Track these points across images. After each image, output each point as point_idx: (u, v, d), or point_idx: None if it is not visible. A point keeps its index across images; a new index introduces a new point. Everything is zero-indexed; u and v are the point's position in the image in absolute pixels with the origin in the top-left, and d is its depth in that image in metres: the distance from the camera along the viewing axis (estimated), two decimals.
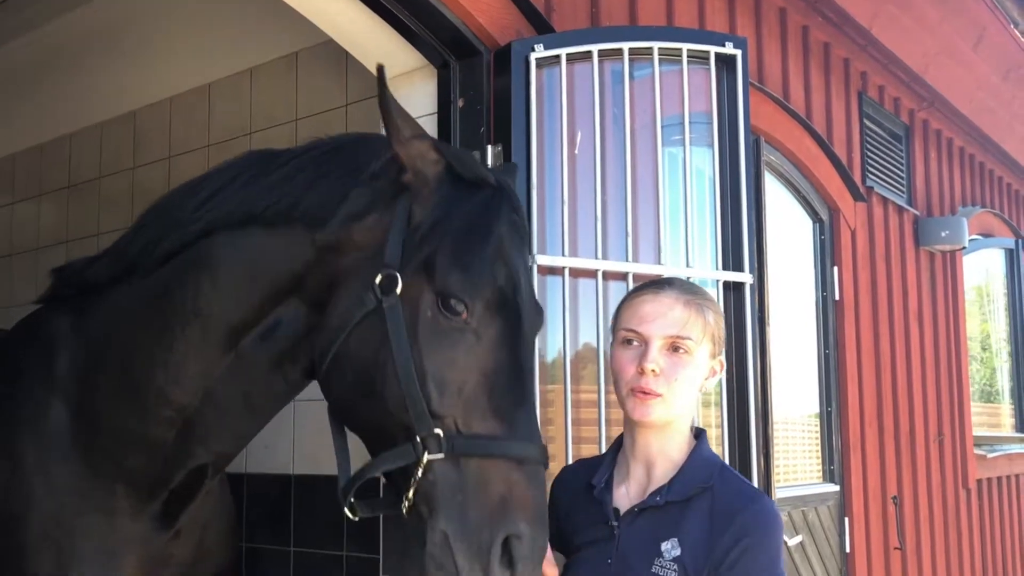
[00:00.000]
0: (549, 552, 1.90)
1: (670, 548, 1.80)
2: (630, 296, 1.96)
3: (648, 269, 2.91)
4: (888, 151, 5.44)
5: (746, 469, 3.07)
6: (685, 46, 3.06)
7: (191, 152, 4.29)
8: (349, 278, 1.84)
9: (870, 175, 5.18)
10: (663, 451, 1.90)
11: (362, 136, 2.06)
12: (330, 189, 1.90)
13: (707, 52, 3.10)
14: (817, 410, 4.69)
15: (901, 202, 5.50)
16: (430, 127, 2.94)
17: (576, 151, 2.88)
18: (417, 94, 2.97)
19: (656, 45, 3.01)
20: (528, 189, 2.75)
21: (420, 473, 1.69)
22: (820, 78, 4.81)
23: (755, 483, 3.04)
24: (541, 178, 2.80)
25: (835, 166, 4.67)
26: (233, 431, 2.09)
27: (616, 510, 1.89)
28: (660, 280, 2.05)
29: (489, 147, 2.79)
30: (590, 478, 1.97)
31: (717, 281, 3.07)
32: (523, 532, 1.67)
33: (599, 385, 2.77)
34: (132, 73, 4.64)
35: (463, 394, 1.73)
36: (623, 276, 2.86)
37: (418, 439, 1.70)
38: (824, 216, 4.73)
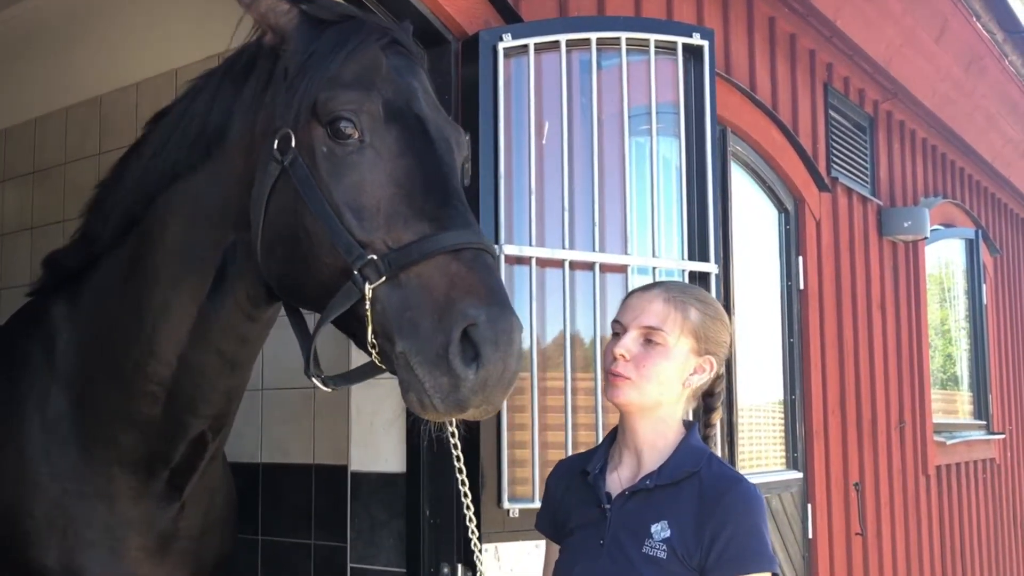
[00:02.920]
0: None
1: (660, 530, 1.87)
2: (627, 293, 2.07)
3: (615, 259, 2.93)
4: (853, 142, 5.50)
5: None
6: (653, 37, 3.08)
7: None
8: (260, 166, 1.81)
9: (835, 166, 5.23)
10: (652, 439, 1.98)
11: (243, 44, 2.02)
12: (224, 99, 1.90)
13: (674, 43, 3.12)
14: (782, 398, 4.75)
15: (865, 192, 5.56)
16: None
17: (544, 141, 2.89)
18: None
19: (624, 35, 3.03)
20: (495, 178, 2.76)
21: (368, 307, 1.61)
22: (786, 69, 4.85)
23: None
24: (509, 168, 2.81)
25: (800, 157, 4.72)
26: (220, 391, 2.07)
27: (608, 494, 1.96)
28: (658, 281, 2.16)
29: None
30: (584, 466, 2.05)
31: (683, 271, 3.10)
32: (477, 316, 1.56)
33: (566, 373, 2.80)
34: (98, 57, 4.59)
35: (382, 211, 1.66)
36: (589, 266, 2.88)
37: (355, 272, 1.63)
38: (789, 206, 4.78)
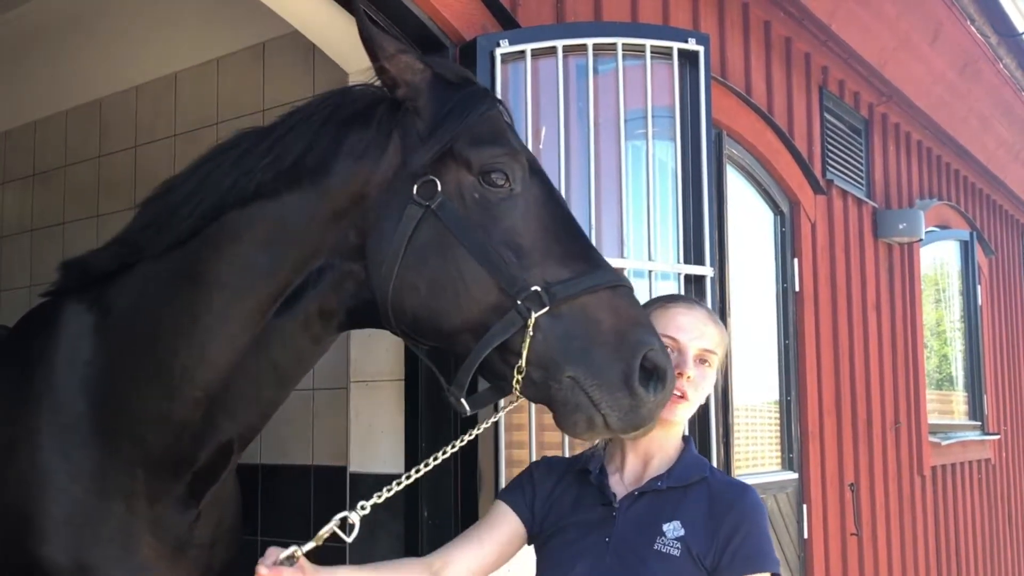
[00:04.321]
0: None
1: (674, 529, 1.94)
2: (662, 306, 2.11)
3: (611, 262, 2.95)
4: (848, 145, 5.52)
5: (706, 456, 3.12)
6: (649, 42, 3.10)
7: (157, 141, 4.27)
8: (382, 207, 1.92)
9: (830, 168, 5.26)
10: (663, 447, 2.06)
11: (342, 88, 2.12)
12: (326, 139, 1.97)
13: (670, 48, 3.14)
14: (777, 399, 4.78)
15: (860, 195, 5.59)
16: None
17: (540, 145, 2.92)
18: None
19: (620, 41, 3.05)
20: None
21: (530, 334, 1.76)
22: (782, 73, 4.88)
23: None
24: None
25: (796, 159, 4.75)
26: (261, 403, 2.12)
27: (614, 494, 2.02)
28: (683, 296, 2.27)
29: None
30: (574, 468, 2.11)
31: (679, 274, 3.12)
32: (652, 343, 1.78)
33: None
34: (99, 61, 4.62)
35: (538, 250, 1.83)
36: None
37: (519, 302, 1.77)
38: (785, 209, 4.80)
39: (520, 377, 1.79)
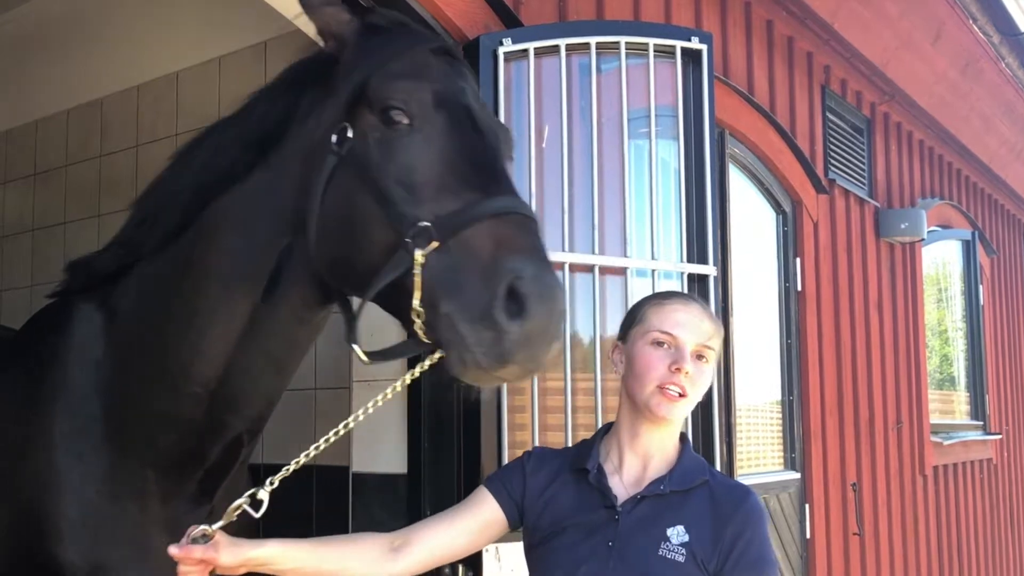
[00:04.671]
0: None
1: (678, 534, 1.92)
2: (658, 302, 2.08)
3: (614, 262, 2.95)
4: (850, 144, 5.52)
5: (709, 456, 3.12)
6: (652, 41, 3.10)
7: (159, 140, 4.27)
8: (315, 164, 1.87)
9: (832, 167, 5.25)
10: (662, 446, 2.03)
11: (311, 54, 2.09)
12: (282, 105, 1.97)
13: (673, 47, 3.14)
14: (779, 398, 4.77)
15: (862, 194, 5.58)
16: None
17: (543, 144, 2.91)
18: None
19: (623, 40, 3.05)
20: None
21: (416, 272, 1.64)
22: (784, 72, 4.87)
23: (718, 471, 3.11)
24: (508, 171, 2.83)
25: (798, 159, 4.74)
26: (262, 393, 2.10)
27: (615, 496, 1.98)
28: (679, 292, 2.22)
29: None
30: (567, 464, 2.06)
31: (682, 274, 3.12)
32: (522, 270, 1.59)
33: (566, 374, 2.82)
34: (100, 60, 4.61)
35: (433, 185, 1.73)
36: (589, 268, 2.91)
37: (407, 240, 1.67)
38: (787, 208, 4.80)
39: (420, 321, 1.65)
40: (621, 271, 2.98)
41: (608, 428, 2.12)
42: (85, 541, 2.06)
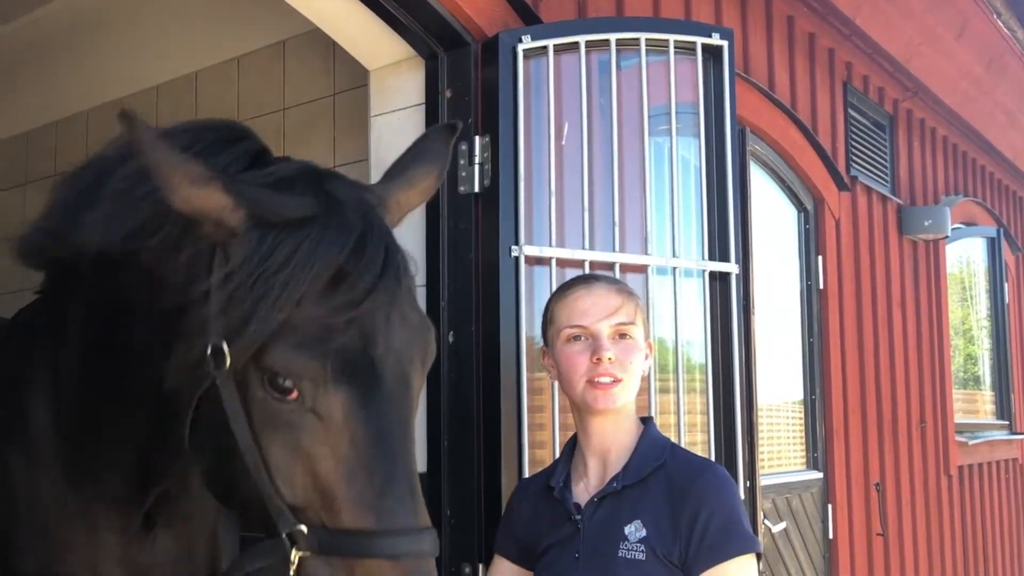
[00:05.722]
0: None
1: (634, 530, 1.84)
2: (561, 295, 2.01)
3: (634, 259, 2.93)
4: (872, 141, 5.47)
5: (731, 456, 3.10)
6: (672, 37, 3.07)
7: None
8: (178, 337, 1.58)
9: (854, 165, 5.21)
10: (616, 438, 1.96)
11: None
12: (133, 220, 1.64)
13: (694, 43, 3.11)
14: (801, 398, 4.74)
15: (885, 191, 5.53)
16: (417, 118, 2.95)
17: (563, 142, 2.89)
18: (404, 85, 2.98)
19: (643, 36, 3.03)
20: (515, 180, 2.77)
21: (293, 572, 1.48)
22: (805, 68, 4.83)
23: (740, 470, 3.09)
24: (528, 169, 2.81)
25: (820, 156, 4.70)
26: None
27: (576, 504, 1.93)
28: (581, 277, 2.11)
29: (477, 138, 2.80)
30: (541, 484, 2.03)
31: (703, 271, 3.09)
32: None
33: None
34: (119, 61, 4.63)
35: (318, 485, 1.49)
36: (609, 266, 2.88)
37: (284, 536, 1.48)
38: (809, 206, 4.76)
39: None
40: (642, 269, 2.96)
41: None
42: (37, 563, 1.95)
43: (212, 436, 1.56)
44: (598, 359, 1.88)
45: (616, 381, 1.89)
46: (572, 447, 2.05)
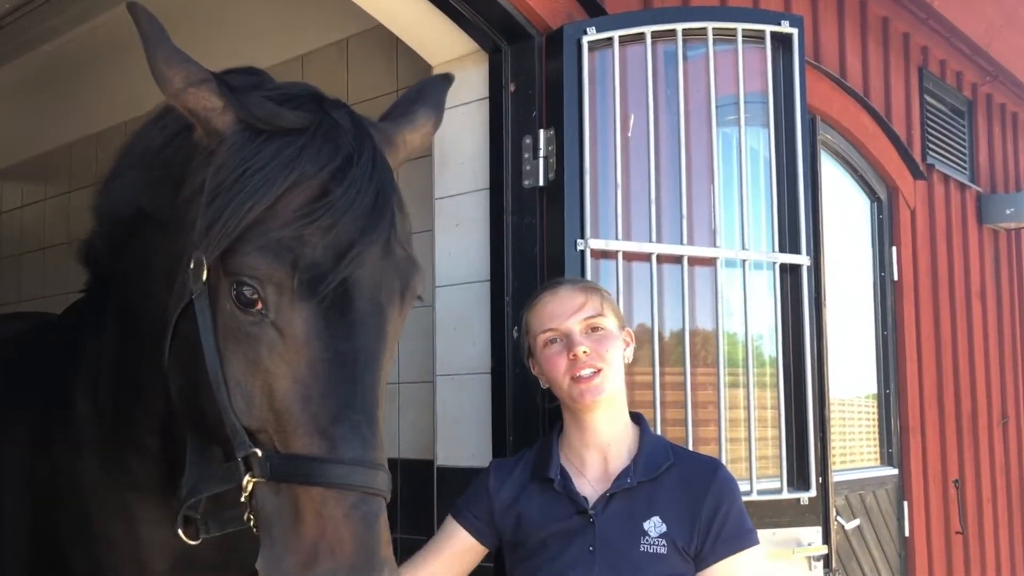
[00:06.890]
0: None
1: (654, 526, 1.93)
2: (531, 305, 2.14)
3: (703, 252, 2.89)
4: (950, 127, 5.32)
5: (803, 452, 3.05)
6: (740, 26, 3.01)
7: None
8: (177, 278, 1.61)
9: (931, 152, 5.07)
10: (615, 431, 2.05)
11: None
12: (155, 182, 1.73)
13: (762, 31, 3.05)
14: (875, 392, 4.63)
15: (963, 179, 5.38)
16: (482, 112, 2.94)
17: (629, 134, 2.86)
18: (469, 79, 2.97)
19: (710, 25, 2.97)
20: (581, 173, 2.74)
21: (245, 496, 1.46)
22: (879, 54, 4.71)
23: (811, 466, 3.04)
24: (594, 162, 2.78)
25: (893, 143, 4.58)
26: None
27: (585, 499, 1.99)
28: (549, 283, 2.23)
29: (541, 131, 2.78)
30: (530, 472, 2.07)
31: (773, 263, 3.04)
32: None
33: (653, 367, 2.76)
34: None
35: (273, 406, 1.45)
36: (677, 259, 2.84)
37: (238, 458, 1.46)
38: (882, 195, 4.65)
39: (253, 524, 1.48)
40: (711, 262, 2.91)
41: (561, 429, 2.13)
42: (82, 554, 1.98)
43: (185, 352, 1.55)
44: (574, 355, 1.99)
45: (597, 372, 1.99)
46: (551, 442, 2.11)
